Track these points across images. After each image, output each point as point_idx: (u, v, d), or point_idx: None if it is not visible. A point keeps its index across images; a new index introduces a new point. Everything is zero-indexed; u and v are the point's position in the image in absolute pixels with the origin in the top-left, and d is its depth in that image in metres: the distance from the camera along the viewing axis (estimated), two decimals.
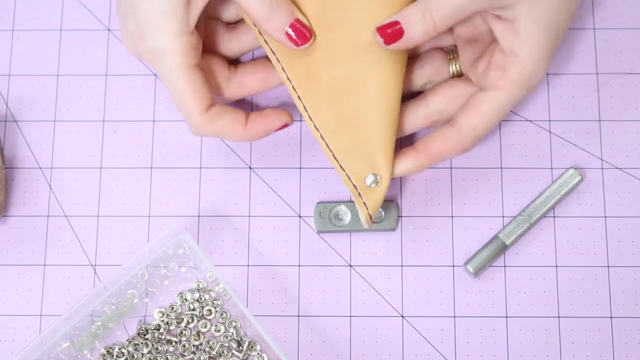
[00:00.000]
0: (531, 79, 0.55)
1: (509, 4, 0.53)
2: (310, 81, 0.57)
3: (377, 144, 0.56)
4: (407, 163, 0.57)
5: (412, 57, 0.61)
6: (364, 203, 0.56)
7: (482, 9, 0.54)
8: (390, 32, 0.54)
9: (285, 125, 0.59)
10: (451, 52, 0.60)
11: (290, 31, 0.55)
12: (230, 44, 0.61)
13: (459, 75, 0.60)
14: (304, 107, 0.57)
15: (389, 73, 0.56)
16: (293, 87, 0.57)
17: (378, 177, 0.56)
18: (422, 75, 0.60)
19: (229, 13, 0.61)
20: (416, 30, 0.54)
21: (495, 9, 0.54)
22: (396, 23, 0.54)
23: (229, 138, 0.58)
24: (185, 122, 0.58)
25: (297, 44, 0.56)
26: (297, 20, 0.55)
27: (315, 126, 0.57)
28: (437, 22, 0.53)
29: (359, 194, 0.56)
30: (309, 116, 0.57)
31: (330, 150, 0.56)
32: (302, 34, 0.56)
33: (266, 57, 0.61)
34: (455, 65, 0.60)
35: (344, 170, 0.56)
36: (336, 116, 0.56)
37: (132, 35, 0.55)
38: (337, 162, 0.56)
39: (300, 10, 0.56)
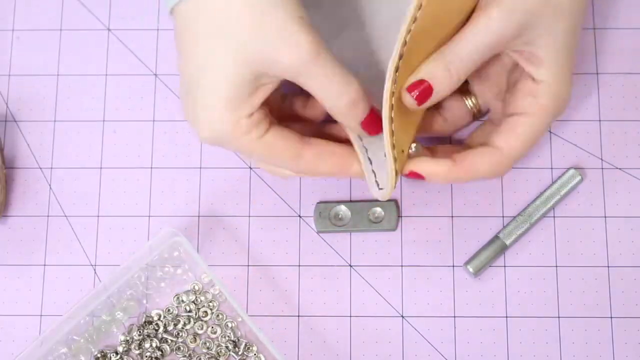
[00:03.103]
0: (560, 103, 0.55)
1: (528, 39, 0.53)
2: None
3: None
4: (443, 169, 0.55)
5: (433, 109, 0.60)
6: (396, 170, 0.55)
7: (501, 50, 0.54)
8: (420, 92, 0.53)
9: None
10: (462, 91, 0.60)
11: (364, 123, 0.54)
12: (304, 111, 0.59)
13: (478, 110, 0.60)
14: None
15: None
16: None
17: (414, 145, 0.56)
18: (449, 126, 0.60)
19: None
20: (444, 85, 0.53)
21: (515, 46, 0.54)
22: (423, 82, 0.53)
23: (336, 176, 0.56)
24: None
25: (369, 134, 0.54)
26: (373, 110, 0.53)
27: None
28: (460, 73, 0.53)
29: (395, 158, 0.54)
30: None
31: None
32: (375, 125, 0.54)
33: (347, 141, 0.56)
34: (471, 99, 0.60)
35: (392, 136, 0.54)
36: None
37: (190, 121, 0.53)
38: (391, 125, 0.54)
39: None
